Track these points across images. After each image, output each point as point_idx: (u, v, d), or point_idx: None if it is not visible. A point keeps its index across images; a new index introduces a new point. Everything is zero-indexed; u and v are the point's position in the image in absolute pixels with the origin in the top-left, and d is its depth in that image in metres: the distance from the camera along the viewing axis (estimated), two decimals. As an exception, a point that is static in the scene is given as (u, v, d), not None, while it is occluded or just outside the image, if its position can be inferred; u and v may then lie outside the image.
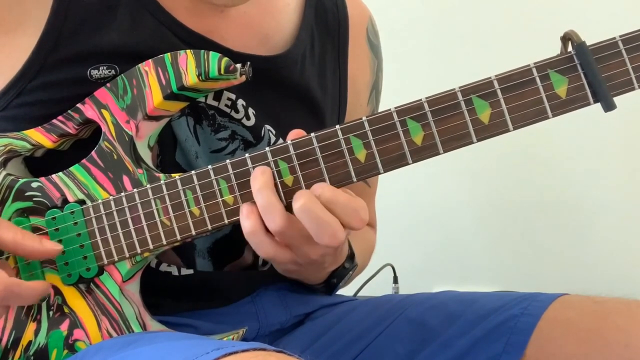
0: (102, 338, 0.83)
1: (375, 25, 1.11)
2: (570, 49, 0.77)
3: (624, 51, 0.75)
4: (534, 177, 1.85)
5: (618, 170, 1.79)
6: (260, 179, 0.77)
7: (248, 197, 0.80)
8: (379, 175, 0.82)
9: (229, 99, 0.91)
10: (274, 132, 0.94)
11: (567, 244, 1.83)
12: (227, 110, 0.91)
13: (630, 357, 0.81)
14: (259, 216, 0.78)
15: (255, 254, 0.98)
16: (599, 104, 0.77)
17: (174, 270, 0.91)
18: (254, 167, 0.79)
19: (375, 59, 1.10)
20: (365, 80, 1.09)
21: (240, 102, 0.92)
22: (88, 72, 0.84)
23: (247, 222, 0.78)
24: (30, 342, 0.83)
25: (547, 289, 0.96)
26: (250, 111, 0.92)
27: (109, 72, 0.85)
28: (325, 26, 1.03)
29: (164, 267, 0.90)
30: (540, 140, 1.75)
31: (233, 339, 0.82)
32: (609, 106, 0.76)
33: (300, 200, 0.76)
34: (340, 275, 0.96)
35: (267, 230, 0.78)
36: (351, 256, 0.97)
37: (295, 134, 0.80)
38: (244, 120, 0.92)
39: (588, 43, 0.76)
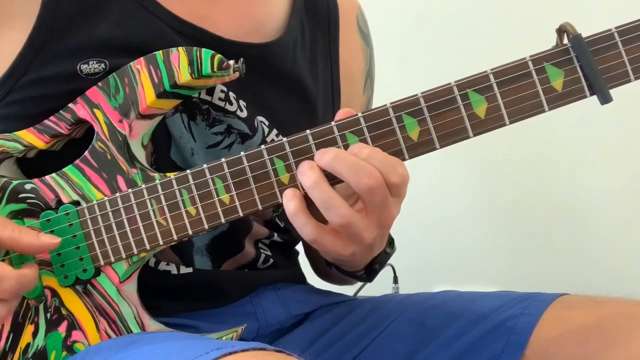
0: (100, 339, 0.82)
1: (364, 14, 1.11)
2: (566, 41, 0.77)
3: (619, 43, 0.75)
4: (534, 177, 1.84)
5: (618, 170, 1.78)
6: (312, 175, 0.76)
7: (244, 196, 0.79)
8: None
9: (222, 91, 0.90)
10: (266, 123, 0.94)
11: (567, 244, 1.82)
12: (221, 103, 0.91)
13: (630, 357, 0.80)
14: (302, 198, 0.77)
15: (258, 249, 0.97)
16: (594, 97, 0.76)
17: (172, 269, 0.90)
18: (250, 165, 0.79)
19: (367, 47, 1.10)
20: (360, 69, 1.09)
21: (232, 94, 0.91)
22: (78, 67, 0.84)
23: (291, 204, 0.76)
24: (28, 345, 0.82)
25: (547, 289, 0.96)
26: (242, 103, 0.92)
27: (99, 66, 0.84)
28: (315, 15, 1.03)
29: (162, 266, 0.90)
30: (540, 140, 1.75)
31: (232, 337, 0.82)
32: (605, 99, 0.76)
33: (330, 152, 0.75)
34: (383, 260, 0.93)
35: (309, 212, 0.77)
36: (390, 241, 0.95)
37: (344, 113, 0.79)
38: (239, 112, 0.92)
39: (584, 35, 0.76)
